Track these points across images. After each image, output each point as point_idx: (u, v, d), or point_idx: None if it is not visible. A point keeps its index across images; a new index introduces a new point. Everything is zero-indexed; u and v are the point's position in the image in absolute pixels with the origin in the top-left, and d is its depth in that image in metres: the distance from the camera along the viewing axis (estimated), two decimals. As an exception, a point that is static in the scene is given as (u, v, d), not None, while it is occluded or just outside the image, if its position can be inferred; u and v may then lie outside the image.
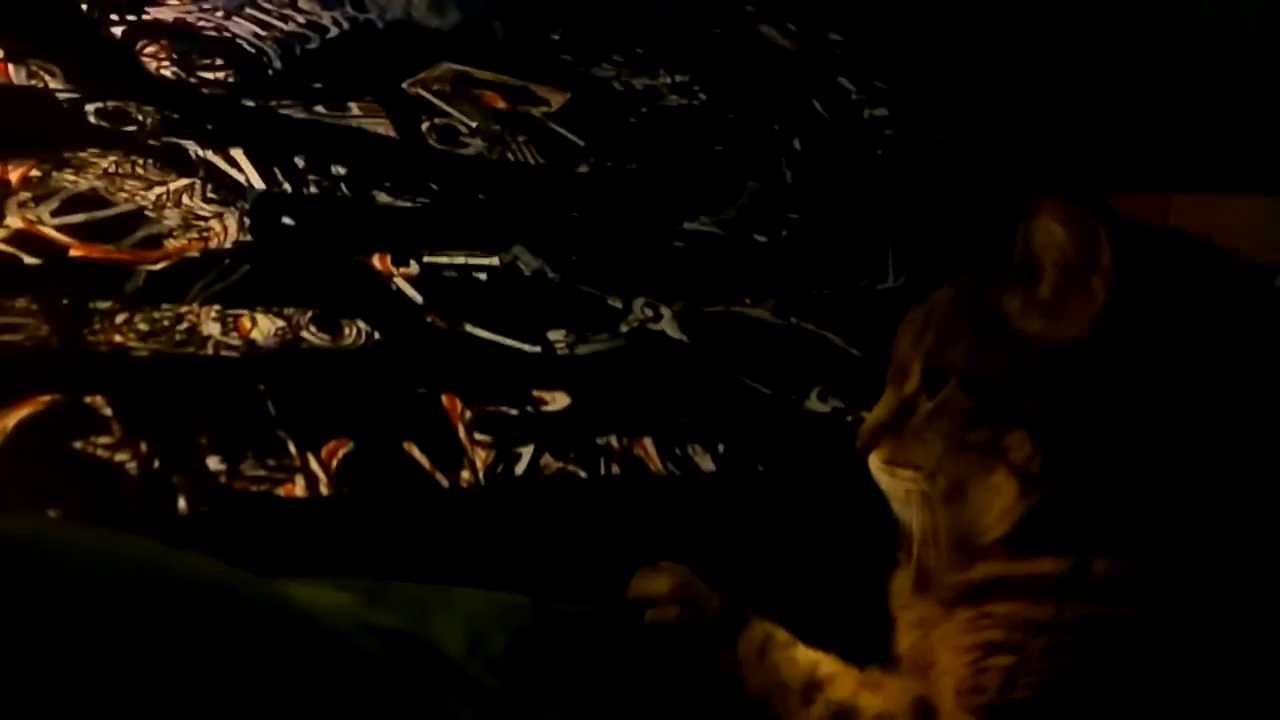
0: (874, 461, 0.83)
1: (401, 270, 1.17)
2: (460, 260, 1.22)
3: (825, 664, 0.88)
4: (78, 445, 0.85)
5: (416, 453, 0.97)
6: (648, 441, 1.11)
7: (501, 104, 1.52)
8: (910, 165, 1.80)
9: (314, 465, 0.92)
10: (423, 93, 1.47)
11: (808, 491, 1.14)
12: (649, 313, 1.29)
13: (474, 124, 1.46)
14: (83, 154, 1.11)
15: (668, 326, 1.28)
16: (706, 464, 1.12)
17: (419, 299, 1.14)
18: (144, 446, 0.87)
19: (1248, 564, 0.74)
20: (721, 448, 1.14)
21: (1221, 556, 0.74)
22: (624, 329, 1.25)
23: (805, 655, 0.88)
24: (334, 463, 0.93)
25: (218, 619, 0.51)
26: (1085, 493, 0.75)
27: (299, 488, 0.89)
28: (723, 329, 1.33)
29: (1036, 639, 0.74)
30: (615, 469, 1.06)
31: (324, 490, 0.90)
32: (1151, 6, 2.58)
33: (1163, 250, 0.81)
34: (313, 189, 1.22)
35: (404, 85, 1.47)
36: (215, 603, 0.52)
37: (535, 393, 1.10)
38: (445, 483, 0.96)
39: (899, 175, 1.77)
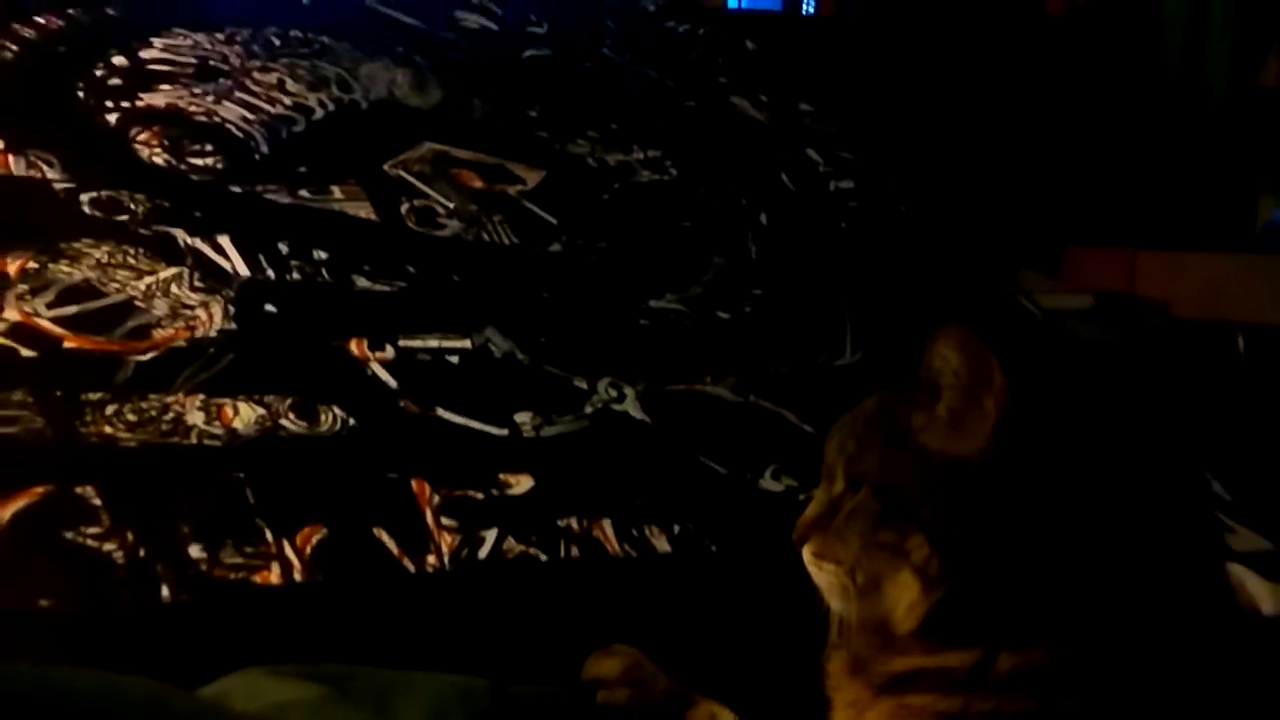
0: (806, 554, 0.89)
1: (377, 355, 1.23)
2: (434, 343, 1.29)
3: None
4: (69, 535, 0.91)
5: (386, 538, 1.03)
6: (606, 523, 1.16)
7: (479, 183, 1.59)
8: (874, 238, 1.87)
9: (289, 552, 0.98)
10: (403, 174, 1.54)
11: (756, 572, 1.20)
12: (613, 393, 1.35)
13: (452, 205, 1.52)
14: (77, 244, 1.17)
15: (630, 407, 1.34)
16: (662, 545, 1.18)
17: (393, 383, 1.20)
18: (130, 536, 0.93)
19: (1147, 653, 0.80)
20: (677, 528, 1.20)
21: (1120, 648, 0.80)
22: (588, 410, 1.31)
23: None
24: (308, 549, 0.99)
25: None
26: (984, 591, 0.81)
27: (274, 575, 0.95)
28: (684, 408, 1.38)
29: None
30: (575, 551, 1.12)
31: (298, 577, 0.96)
32: (1122, 69, 2.67)
33: (1054, 370, 0.89)
34: (295, 275, 1.28)
35: (385, 167, 1.54)
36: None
37: (501, 475, 1.16)
38: (412, 568, 1.02)
39: (862, 248, 1.83)
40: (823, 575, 0.87)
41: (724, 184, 1.82)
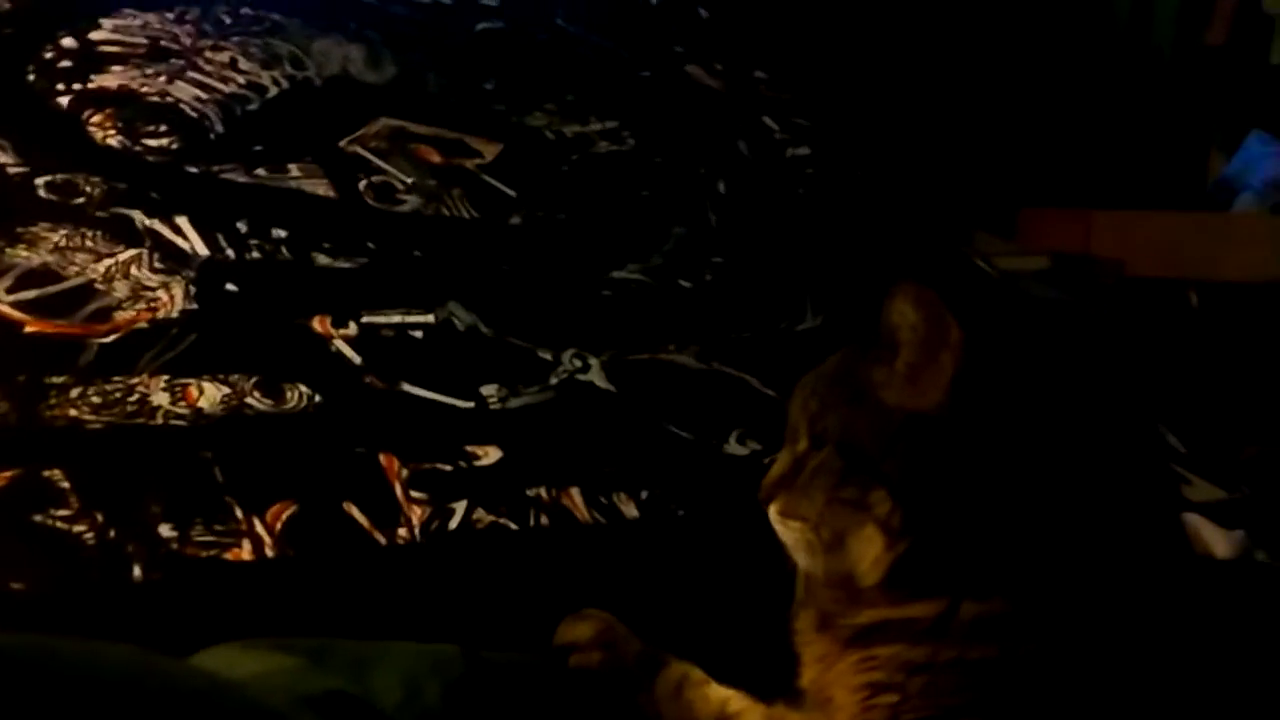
0: (772, 512, 0.91)
1: (341, 331, 1.24)
2: (397, 319, 1.29)
3: (734, 700, 0.95)
4: (38, 518, 0.91)
5: (356, 512, 1.04)
6: (575, 491, 1.18)
7: (436, 158, 1.59)
8: (831, 203, 1.88)
9: (259, 529, 0.98)
10: (360, 151, 1.54)
11: (723, 534, 1.22)
12: (578, 363, 1.36)
13: (410, 180, 1.52)
14: (34, 229, 1.17)
15: (595, 377, 1.35)
16: (630, 511, 1.19)
17: (357, 360, 1.21)
18: (100, 517, 0.93)
19: (1108, 602, 0.83)
20: (644, 494, 1.22)
21: (1082, 596, 0.83)
22: (553, 381, 1.32)
23: (717, 693, 0.95)
24: (278, 525, 1.00)
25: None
26: (945, 543, 0.84)
27: (246, 551, 0.96)
28: (648, 377, 1.40)
29: (915, 679, 0.82)
30: (544, 520, 1.13)
31: (269, 553, 0.97)
32: (1070, 29, 2.69)
33: (1009, 325, 0.91)
34: (255, 254, 1.28)
35: (342, 144, 1.53)
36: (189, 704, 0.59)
37: (468, 448, 1.17)
38: (383, 540, 1.03)
39: (820, 214, 1.85)
40: (789, 532, 0.89)
41: (681, 153, 1.82)
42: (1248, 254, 2.39)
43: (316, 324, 1.23)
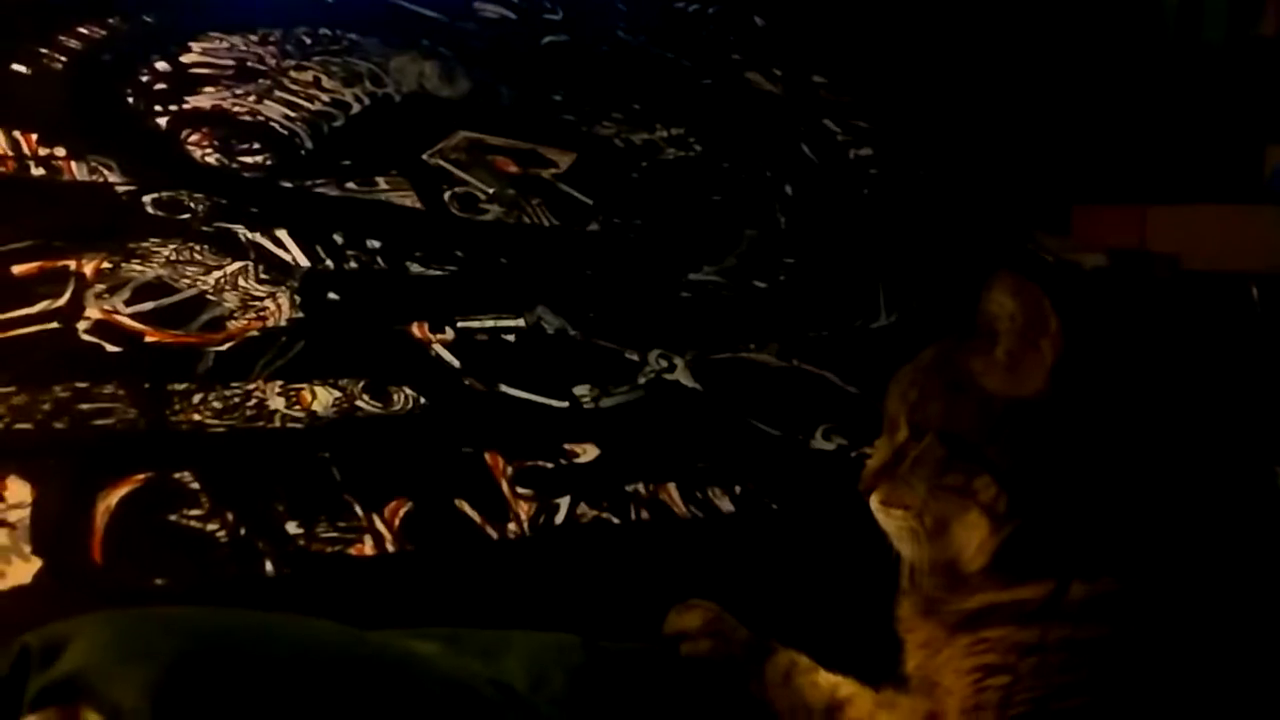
0: (873, 502, 0.93)
1: (438, 337, 1.27)
2: (490, 323, 1.32)
3: (844, 686, 0.96)
4: (173, 518, 0.95)
5: (468, 509, 1.07)
6: (671, 486, 1.20)
7: (514, 168, 1.62)
8: (896, 203, 1.90)
9: (379, 525, 1.02)
10: (442, 163, 1.57)
11: (819, 526, 1.23)
12: (664, 363, 1.39)
13: (491, 190, 1.56)
14: (145, 244, 1.21)
15: (682, 376, 1.37)
16: (726, 505, 1.21)
17: (456, 363, 1.24)
18: (230, 516, 0.97)
19: (1211, 576, 0.84)
20: (738, 489, 1.24)
21: (1186, 572, 0.84)
22: (642, 380, 1.34)
23: (826, 679, 0.97)
24: (396, 522, 1.03)
25: (402, 688, 0.61)
26: (1052, 526, 0.85)
27: (368, 546, 0.99)
28: (732, 375, 1.42)
29: (1026, 660, 0.84)
30: (644, 514, 1.15)
31: (390, 548, 1.00)
32: (1120, 26, 2.68)
33: (1104, 306, 0.93)
34: (352, 264, 1.32)
35: (424, 156, 1.57)
36: (394, 673, 0.62)
37: (567, 446, 1.20)
38: (495, 535, 1.06)
39: (886, 214, 1.86)
40: (891, 521, 0.90)
41: (747, 158, 1.84)
42: None
43: (415, 330, 1.26)
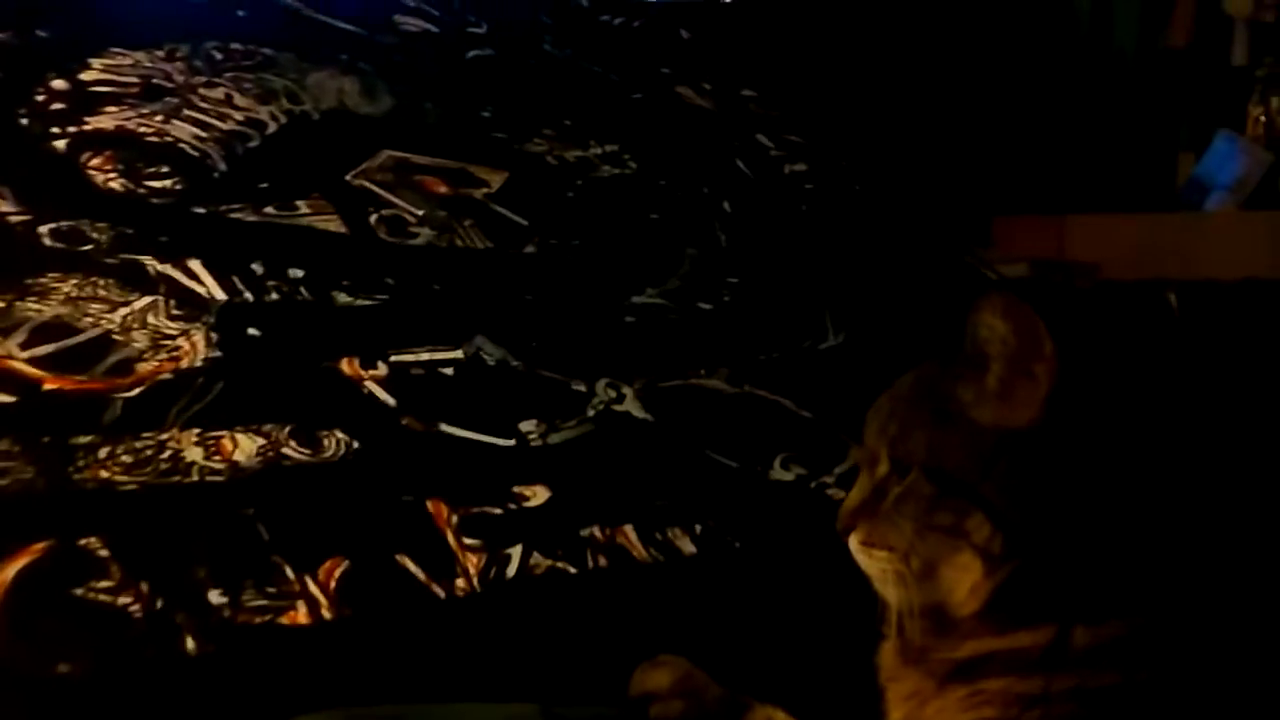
0: (853, 543, 0.86)
1: (371, 373, 1.18)
2: (425, 356, 1.24)
3: None
4: (79, 592, 0.84)
5: (410, 565, 0.97)
6: (629, 529, 1.13)
7: (444, 188, 1.54)
8: (834, 219, 1.86)
9: (313, 588, 0.92)
10: (367, 184, 1.48)
11: (785, 566, 1.17)
12: (612, 393, 1.31)
13: (420, 212, 1.47)
14: (43, 279, 1.10)
15: (631, 406, 1.30)
16: (687, 546, 1.14)
17: (391, 401, 1.15)
18: (144, 587, 0.86)
19: (1226, 615, 0.78)
20: (698, 528, 1.17)
21: (1198, 613, 0.78)
22: (590, 413, 1.27)
23: None
24: (332, 583, 0.93)
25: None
26: (1052, 567, 0.79)
27: (302, 614, 0.90)
28: (683, 403, 1.35)
29: (1029, 713, 0.77)
30: (602, 560, 1.07)
31: (326, 614, 0.90)
32: (1032, 35, 2.69)
33: (1101, 328, 0.87)
34: (273, 295, 1.22)
35: (348, 178, 1.48)
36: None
37: (515, 488, 1.11)
38: (442, 593, 0.97)
39: (825, 230, 1.82)
40: (874, 564, 0.83)
41: (684, 174, 1.79)
42: (1222, 252, 2.38)
43: (345, 366, 1.17)
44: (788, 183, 1.92)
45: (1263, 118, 2.49)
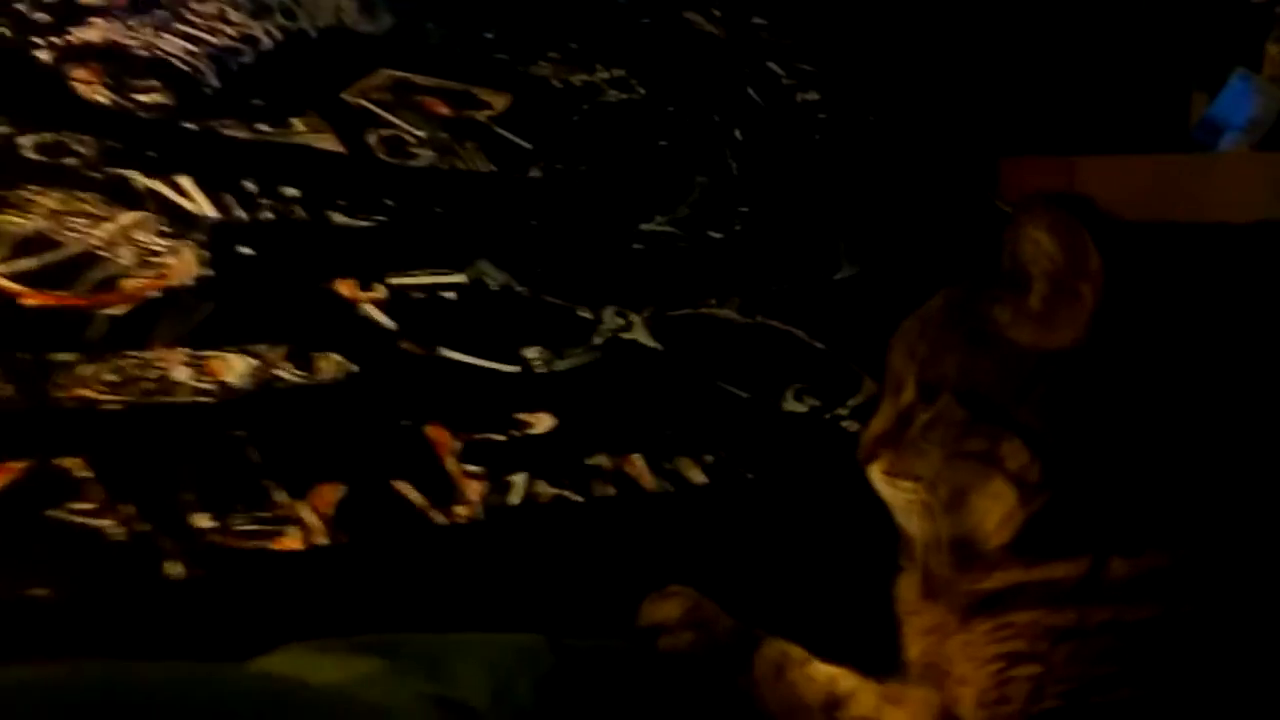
0: (874, 472, 0.82)
1: (369, 295, 1.13)
2: (426, 280, 1.18)
3: (844, 679, 0.86)
4: (56, 514, 0.79)
5: (410, 491, 0.93)
6: (637, 458, 1.08)
7: (445, 110, 1.48)
8: (848, 149, 1.80)
9: (306, 514, 0.88)
10: (364, 103, 1.42)
11: (798, 497, 1.13)
12: (620, 321, 1.27)
13: (421, 133, 1.41)
14: (23, 192, 1.04)
15: (640, 335, 1.26)
16: (697, 477, 1.10)
17: (391, 325, 1.10)
18: (127, 510, 0.82)
19: (1269, 547, 0.74)
20: (709, 458, 1.13)
21: (1243, 546, 0.74)
22: (597, 340, 1.22)
23: (822, 671, 0.87)
24: (327, 509, 0.89)
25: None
26: (1090, 496, 0.74)
27: (294, 540, 0.85)
28: (693, 333, 1.31)
29: (1061, 646, 0.73)
30: (609, 490, 1.03)
31: (320, 540, 0.86)
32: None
33: (1146, 246, 0.81)
34: (267, 214, 1.17)
35: (345, 96, 1.41)
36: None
37: (519, 415, 1.07)
38: (442, 520, 0.92)
39: (838, 160, 1.76)
40: (898, 494, 0.79)
41: (693, 101, 1.72)
42: (1236, 194, 2.32)
43: (342, 288, 1.12)
44: (800, 111, 1.86)
45: None
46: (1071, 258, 0.74)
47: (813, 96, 1.89)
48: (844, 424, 1.24)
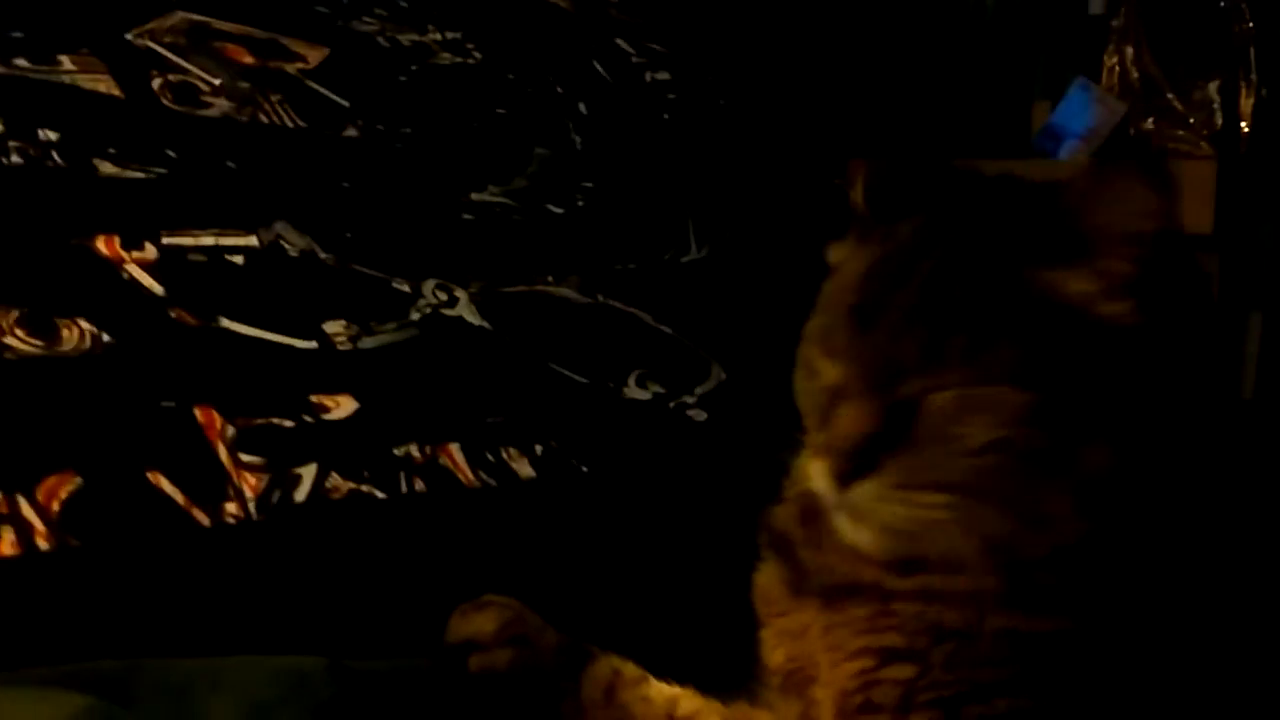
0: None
1: (135, 255, 0.95)
2: (209, 241, 1.02)
3: (685, 701, 0.75)
4: None
5: (166, 484, 0.76)
6: (454, 448, 0.94)
7: (249, 59, 1.31)
8: (699, 131, 1.70)
9: (26, 511, 0.70)
10: (153, 45, 1.24)
11: (639, 493, 1.00)
12: (442, 296, 1.12)
13: (217, 81, 1.24)
14: None
15: (465, 311, 1.12)
16: (524, 469, 0.96)
17: (159, 289, 0.93)
18: None
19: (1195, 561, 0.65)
20: (539, 449, 0.99)
21: (1167, 565, 0.64)
22: (415, 316, 1.08)
23: (660, 692, 0.75)
24: (55, 506, 0.71)
25: None
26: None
27: (6, 544, 0.68)
28: (527, 312, 1.17)
29: (942, 646, 0.62)
30: (419, 485, 0.88)
31: (42, 544, 0.69)
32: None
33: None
34: (15, 158, 0.98)
35: (129, 36, 1.23)
36: None
37: (314, 398, 0.91)
38: (206, 520, 0.76)
39: (689, 141, 1.66)
40: (917, 512, 0.62)
41: (535, 71, 1.59)
42: None
43: (102, 245, 0.94)
44: (650, 90, 1.75)
45: (1117, 67, 2.43)
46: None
47: (663, 76, 1.79)
48: (690, 413, 1.11)
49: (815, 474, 0.62)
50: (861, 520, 0.62)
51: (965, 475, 0.59)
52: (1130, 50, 2.37)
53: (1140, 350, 0.61)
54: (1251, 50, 2.04)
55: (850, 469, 0.60)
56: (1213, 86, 2.07)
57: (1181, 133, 2.10)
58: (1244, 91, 2.05)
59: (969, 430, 0.58)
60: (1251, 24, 2.03)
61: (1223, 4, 2.06)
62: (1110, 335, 0.61)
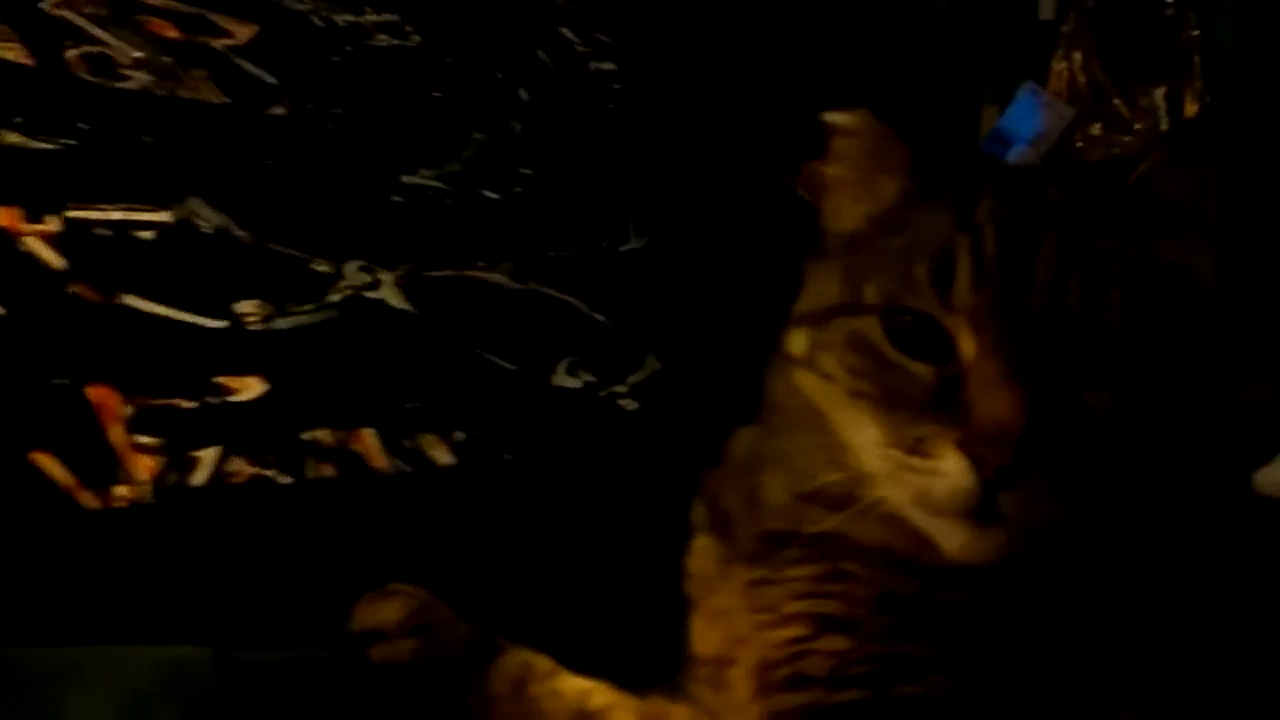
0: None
1: (36, 228, 0.91)
2: (117, 215, 0.97)
3: (597, 695, 0.73)
4: None
5: (51, 465, 0.72)
6: (368, 434, 0.90)
7: (173, 33, 1.27)
8: (643, 122, 1.67)
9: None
10: (69, 15, 1.20)
11: (563, 483, 0.97)
12: (365, 278, 1.09)
13: (138, 55, 1.19)
14: None
15: (388, 294, 1.08)
16: (442, 457, 0.93)
17: (59, 263, 0.89)
18: None
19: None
20: (460, 436, 0.96)
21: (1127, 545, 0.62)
22: (334, 298, 1.04)
23: (572, 685, 0.73)
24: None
25: None
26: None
27: None
28: (454, 296, 1.14)
29: (879, 617, 0.60)
30: (327, 470, 0.85)
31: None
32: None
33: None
34: (-95, 124, 0.94)
35: (43, 6, 1.19)
36: None
37: (218, 379, 0.87)
38: (95, 503, 0.72)
39: (632, 131, 1.63)
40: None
41: (475, 55, 1.56)
42: None
43: (1, 216, 0.89)
44: (594, 80, 1.72)
45: (1066, 72, 2.44)
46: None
47: (608, 66, 1.76)
48: (621, 402, 1.09)
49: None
50: None
51: None
52: (1079, 56, 2.38)
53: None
54: (1196, 58, 2.05)
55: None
56: (1159, 93, 2.09)
57: (1127, 138, 2.12)
58: (1188, 98, 2.06)
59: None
60: (1197, 32, 2.04)
61: (1169, 12, 2.07)
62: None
